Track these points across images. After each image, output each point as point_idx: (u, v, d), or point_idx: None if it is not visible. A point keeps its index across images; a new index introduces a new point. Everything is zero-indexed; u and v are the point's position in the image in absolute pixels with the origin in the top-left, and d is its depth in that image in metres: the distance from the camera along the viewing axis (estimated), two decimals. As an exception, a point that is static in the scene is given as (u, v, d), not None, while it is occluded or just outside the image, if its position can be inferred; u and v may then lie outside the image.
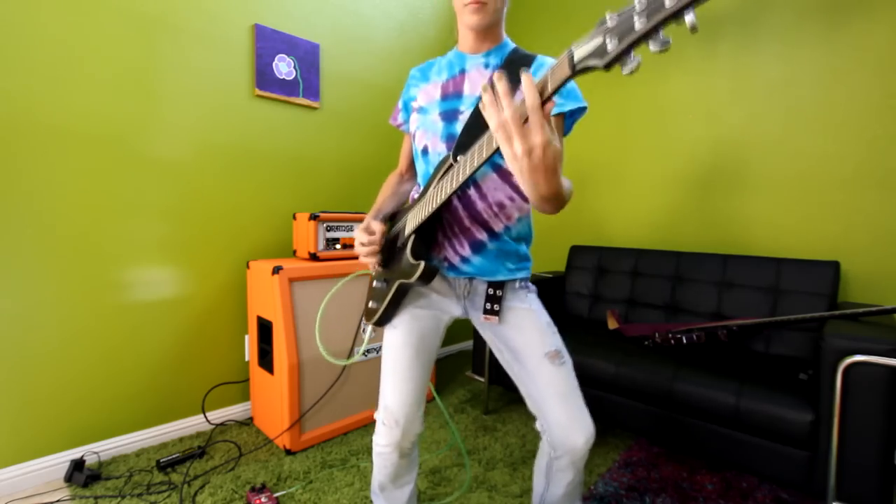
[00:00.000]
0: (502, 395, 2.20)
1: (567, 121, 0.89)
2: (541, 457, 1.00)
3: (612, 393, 1.64)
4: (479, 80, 0.91)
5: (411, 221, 0.91)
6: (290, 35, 1.92)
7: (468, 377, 2.42)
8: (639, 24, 0.42)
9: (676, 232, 2.21)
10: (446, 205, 0.92)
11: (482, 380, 2.04)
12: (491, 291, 0.94)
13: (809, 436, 1.24)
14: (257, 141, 1.88)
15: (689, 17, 0.40)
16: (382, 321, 1.00)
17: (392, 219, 1.05)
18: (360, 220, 1.93)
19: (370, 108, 2.29)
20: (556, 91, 0.52)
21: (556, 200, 0.64)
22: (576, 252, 2.38)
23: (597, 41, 0.46)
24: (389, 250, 0.98)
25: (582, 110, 0.87)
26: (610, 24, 0.45)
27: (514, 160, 0.56)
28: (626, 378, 1.58)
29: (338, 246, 1.85)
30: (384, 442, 0.99)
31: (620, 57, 0.45)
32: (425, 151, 0.95)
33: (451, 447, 1.69)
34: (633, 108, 2.34)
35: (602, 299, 2.22)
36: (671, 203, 2.22)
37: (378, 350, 1.89)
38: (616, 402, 1.63)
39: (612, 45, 0.45)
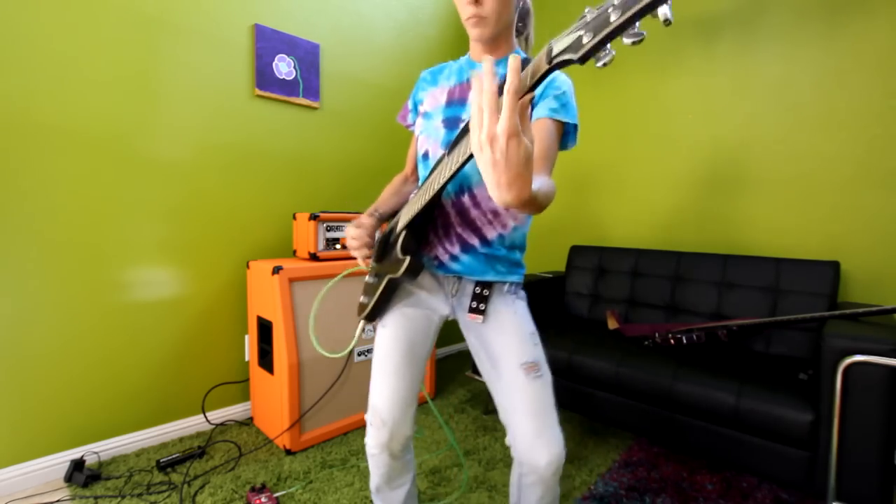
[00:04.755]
0: (502, 395, 2.20)
1: (569, 136, 0.88)
2: (513, 468, 0.97)
3: (612, 393, 1.64)
4: None
5: (403, 217, 0.91)
6: (291, 35, 1.91)
7: (468, 377, 2.42)
8: (614, 17, 0.42)
9: (676, 232, 2.21)
10: (440, 207, 0.92)
11: (482, 380, 2.04)
12: (478, 290, 0.94)
13: (809, 436, 1.24)
14: (257, 141, 1.88)
15: (663, 10, 0.40)
16: (373, 316, 1.00)
17: (392, 218, 1.06)
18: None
19: (370, 108, 2.29)
20: (535, 85, 0.51)
21: (526, 208, 0.56)
22: (576, 252, 2.38)
23: (574, 35, 0.47)
24: (383, 246, 0.98)
25: (574, 127, 0.87)
26: (588, 17, 0.45)
27: (478, 151, 0.51)
28: (626, 378, 1.58)
29: (338, 246, 1.85)
30: (373, 443, 0.98)
31: (595, 50, 0.45)
32: (426, 156, 0.95)
33: (450, 447, 1.69)
34: (633, 109, 2.34)
35: (602, 299, 2.22)
36: (671, 203, 2.22)
37: (378, 350, 1.89)
38: (616, 402, 1.63)
39: (587, 39, 0.45)
